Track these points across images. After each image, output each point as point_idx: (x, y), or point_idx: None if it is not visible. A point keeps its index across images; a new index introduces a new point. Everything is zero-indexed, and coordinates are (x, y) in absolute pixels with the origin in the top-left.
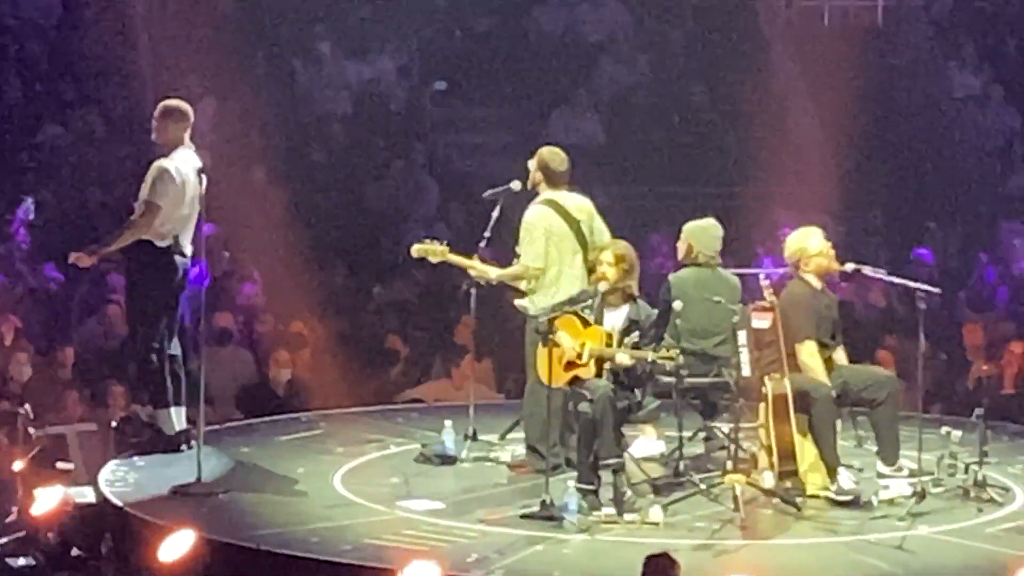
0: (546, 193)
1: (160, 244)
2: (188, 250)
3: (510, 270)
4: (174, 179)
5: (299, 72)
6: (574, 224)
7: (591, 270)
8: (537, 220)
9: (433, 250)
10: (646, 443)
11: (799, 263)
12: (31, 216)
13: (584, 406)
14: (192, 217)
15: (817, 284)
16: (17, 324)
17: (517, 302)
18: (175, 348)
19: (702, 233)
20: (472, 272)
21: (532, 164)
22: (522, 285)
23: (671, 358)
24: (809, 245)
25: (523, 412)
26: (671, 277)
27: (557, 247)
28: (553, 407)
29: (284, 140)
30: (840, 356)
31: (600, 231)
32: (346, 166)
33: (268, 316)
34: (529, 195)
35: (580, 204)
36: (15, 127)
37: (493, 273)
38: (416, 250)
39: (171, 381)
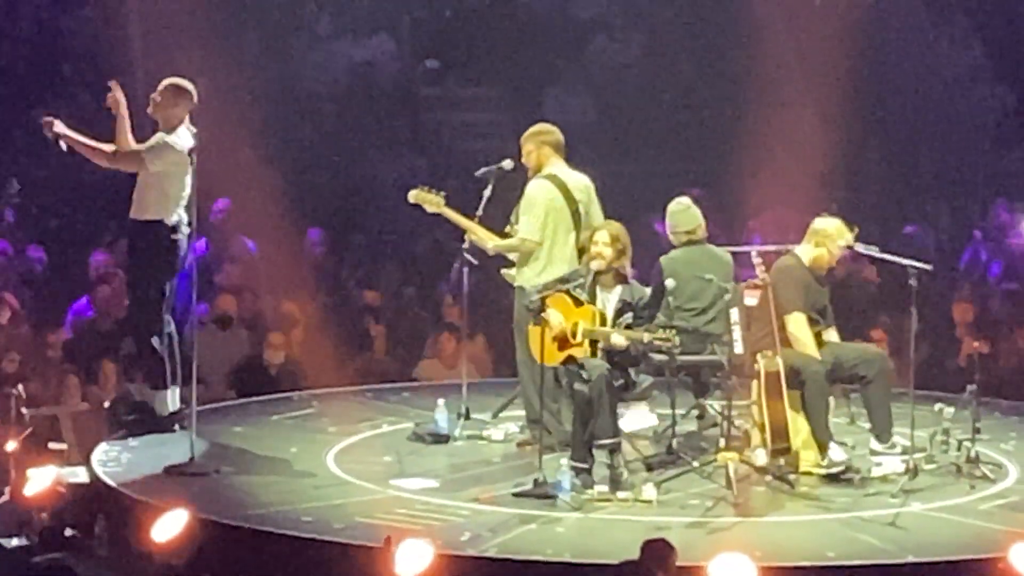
0: (550, 167)
1: (169, 222)
2: (186, 230)
3: (507, 241)
4: (173, 150)
5: (290, 50)
6: (572, 203)
7: (581, 251)
8: (541, 194)
9: (430, 199)
10: (638, 416)
11: (810, 239)
12: (15, 197)
13: (580, 385)
14: (189, 195)
15: (807, 263)
16: (13, 306)
17: (504, 271)
18: (170, 325)
19: (669, 215)
20: (470, 235)
21: (529, 145)
22: (513, 257)
23: (667, 339)
24: (830, 240)
25: (520, 388)
26: (662, 259)
27: (554, 224)
28: (546, 385)
29: (275, 119)
30: (832, 335)
31: (595, 214)
32: (337, 144)
33: (260, 294)
34: (522, 174)
35: (580, 183)
36: (7, 106)
37: (490, 242)
38: (413, 195)
39: (169, 360)
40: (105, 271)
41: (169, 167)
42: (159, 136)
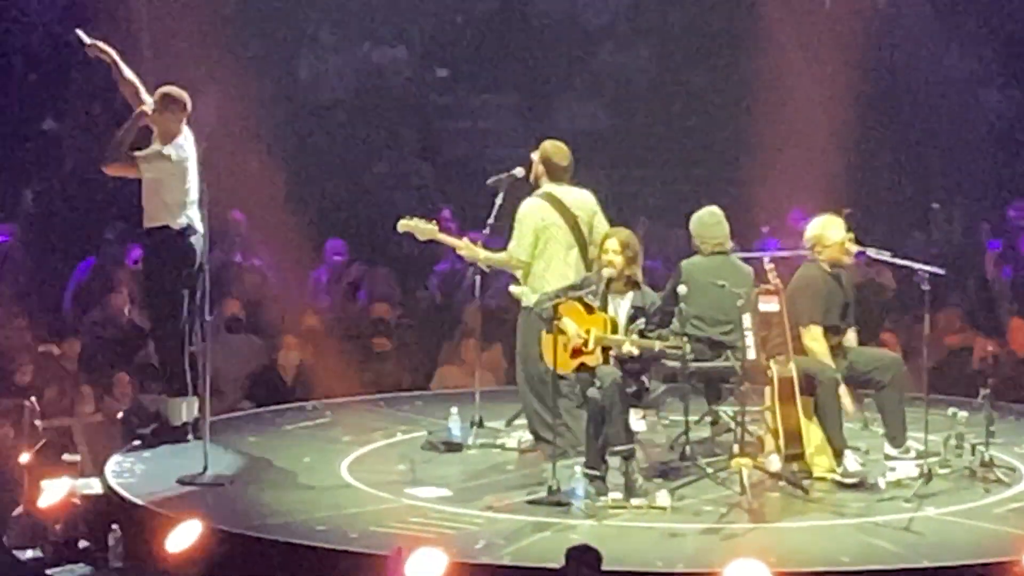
0: (546, 187)
1: (175, 227)
2: (200, 229)
3: (497, 255)
4: (163, 158)
5: (300, 59)
6: (571, 219)
7: (587, 267)
8: (528, 213)
9: (420, 227)
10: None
11: (814, 249)
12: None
13: (593, 392)
14: (196, 200)
15: (829, 270)
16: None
17: (512, 288)
18: (194, 333)
19: (699, 223)
20: (461, 252)
21: (535, 156)
22: (518, 273)
23: (678, 347)
24: (826, 235)
25: (522, 404)
26: (682, 263)
27: (547, 242)
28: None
29: (286, 127)
30: (850, 338)
31: (600, 228)
32: (348, 152)
33: (274, 303)
34: (533, 183)
35: (580, 200)
36: (18, 118)
37: (481, 255)
38: (402, 225)
39: (190, 369)
40: (113, 279)
41: (161, 175)
42: (154, 146)
